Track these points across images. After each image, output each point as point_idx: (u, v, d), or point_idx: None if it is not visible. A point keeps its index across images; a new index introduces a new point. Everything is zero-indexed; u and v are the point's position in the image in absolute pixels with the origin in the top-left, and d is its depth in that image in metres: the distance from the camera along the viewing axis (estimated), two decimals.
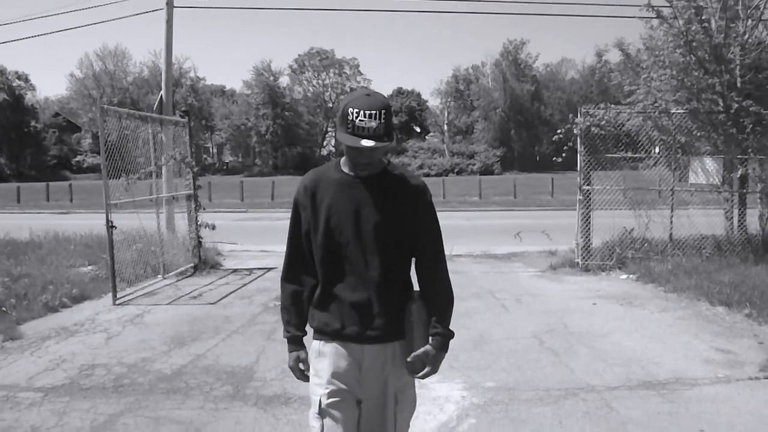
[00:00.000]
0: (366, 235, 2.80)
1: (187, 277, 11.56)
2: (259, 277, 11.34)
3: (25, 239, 14.41)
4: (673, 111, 11.57)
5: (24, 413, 5.21)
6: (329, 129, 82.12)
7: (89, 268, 11.53)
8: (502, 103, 76.03)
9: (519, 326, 7.85)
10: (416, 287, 2.97)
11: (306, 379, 3.00)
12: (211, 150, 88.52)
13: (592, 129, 11.47)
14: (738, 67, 11.15)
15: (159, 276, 11.16)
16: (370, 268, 2.81)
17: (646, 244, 11.64)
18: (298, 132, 77.66)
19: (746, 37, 11.27)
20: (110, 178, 9.65)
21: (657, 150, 12.20)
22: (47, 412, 5.22)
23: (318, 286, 2.93)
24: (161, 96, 14.33)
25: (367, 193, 2.82)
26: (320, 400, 2.84)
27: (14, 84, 76.72)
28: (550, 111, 76.27)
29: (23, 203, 33.75)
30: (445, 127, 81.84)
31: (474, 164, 68.85)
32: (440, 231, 2.97)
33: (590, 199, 11.61)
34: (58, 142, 77.87)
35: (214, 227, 12.25)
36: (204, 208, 12.74)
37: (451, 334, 2.92)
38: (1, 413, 5.21)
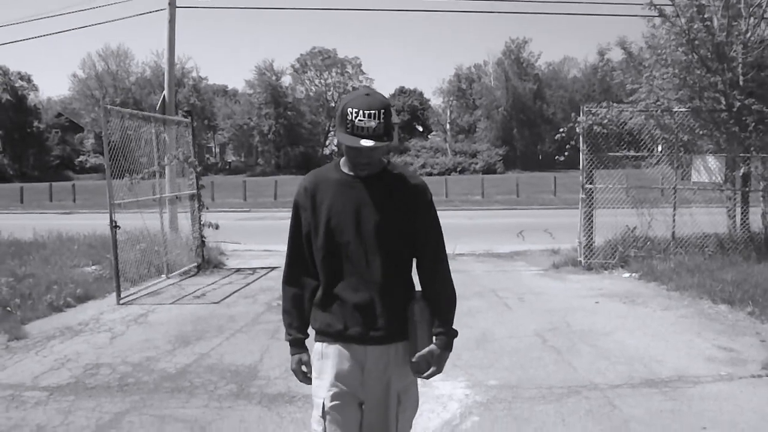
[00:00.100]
0: (367, 234, 2.79)
1: (190, 277, 11.59)
2: (262, 276, 11.36)
3: (28, 239, 14.44)
4: (675, 109, 11.57)
5: (30, 412, 5.25)
6: (332, 128, 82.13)
7: (93, 267, 11.57)
8: (505, 101, 75.92)
9: (522, 325, 7.88)
10: (417, 287, 2.97)
11: (308, 381, 2.98)
12: (213, 150, 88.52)
13: (595, 128, 11.48)
14: (740, 65, 11.17)
15: (162, 276, 11.20)
16: (372, 267, 2.80)
17: (648, 243, 11.65)
18: (300, 131, 77.61)
19: (748, 35, 11.26)
20: (114, 178, 9.69)
21: (660, 148, 12.22)
22: (53, 411, 5.25)
23: (319, 288, 2.92)
24: (164, 96, 14.37)
25: (368, 193, 2.81)
26: (323, 403, 2.84)
27: (17, 84, 76.71)
28: (552, 110, 76.20)
29: (26, 203, 33.80)
30: (448, 126, 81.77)
31: (476, 163, 68.75)
32: (441, 230, 2.97)
33: (593, 198, 11.63)
34: (61, 143, 77.90)
35: (217, 227, 12.28)
36: (207, 208, 12.77)
37: (455, 333, 2.93)
38: (8, 412, 5.25)
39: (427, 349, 2.82)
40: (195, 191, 12.34)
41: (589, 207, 11.66)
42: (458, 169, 66.43)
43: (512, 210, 25.79)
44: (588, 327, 7.68)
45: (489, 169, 65.54)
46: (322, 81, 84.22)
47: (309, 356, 2.99)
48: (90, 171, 72.47)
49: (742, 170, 11.43)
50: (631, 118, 11.91)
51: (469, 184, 39.47)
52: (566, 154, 12.49)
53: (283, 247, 3.06)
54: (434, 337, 2.88)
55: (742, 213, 11.64)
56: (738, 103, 10.76)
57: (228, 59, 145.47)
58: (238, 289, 10.34)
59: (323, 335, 2.91)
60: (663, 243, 11.59)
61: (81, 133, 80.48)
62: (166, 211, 12.08)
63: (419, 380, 2.97)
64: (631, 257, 11.45)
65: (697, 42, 10.89)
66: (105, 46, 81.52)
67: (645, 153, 11.97)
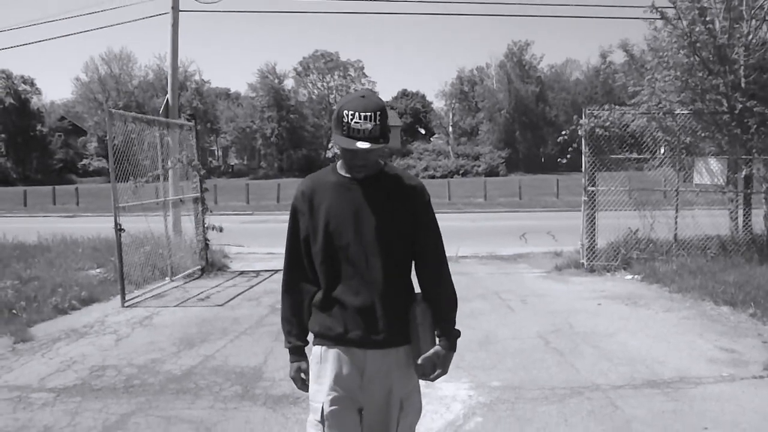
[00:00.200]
0: (366, 236, 2.78)
1: (194, 280, 11.64)
2: (266, 279, 11.41)
3: (33, 242, 14.50)
4: (677, 112, 11.61)
5: (37, 413, 5.29)
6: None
7: (97, 270, 11.62)
8: (507, 104, 76.01)
9: (524, 326, 7.91)
10: (417, 289, 2.96)
11: (307, 389, 2.96)
12: (216, 153, 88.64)
13: (597, 130, 11.51)
14: (742, 67, 11.19)
15: (167, 278, 11.25)
16: (372, 269, 2.78)
17: (650, 245, 11.68)
18: (303, 134, 77.74)
19: (750, 37, 11.28)
20: (118, 182, 9.74)
21: (662, 150, 12.24)
22: (60, 412, 5.30)
23: (318, 292, 2.90)
24: (167, 99, 14.41)
25: (366, 195, 2.81)
26: (322, 407, 2.81)
27: (20, 88, 76.92)
28: (554, 112, 76.29)
29: (30, 207, 33.87)
30: (450, 129, 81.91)
31: (479, 166, 68.86)
32: (439, 231, 2.95)
33: (595, 200, 11.65)
34: (64, 146, 78.09)
35: (221, 229, 12.32)
36: (211, 211, 12.81)
37: (458, 334, 2.92)
38: (15, 413, 5.30)
39: (432, 351, 2.81)
40: (199, 194, 12.38)
41: (592, 209, 11.69)
42: (461, 172, 66.56)
43: (515, 212, 25.81)
44: (590, 329, 7.71)
45: (491, 172, 65.65)
46: (325, 84, 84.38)
47: (308, 364, 2.97)
48: (93, 174, 72.71)
49: (744, 172, 11.46)
50: (633, 121, 11.94)
51: (472, 187, 39.55)
52: (569, 156, 12.52)
53: None
54: (437, 339, 2.87)
55: (744, 215, 11.67)
56: (740, 106, 10.80)
57: (230, 62, 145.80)
58: (242, 292, 10.38)
59: (323, 338, 2.88)
60: (665, 245, 11.62)
61: (84, 136, 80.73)
62: (169, 214, 12.13)
63: (422, 381, 2.93)
64: (633, 259, 11.47)
65: (698, 44, 10.92)
66: (108, 49, 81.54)
67: (647, 155, 11.99)
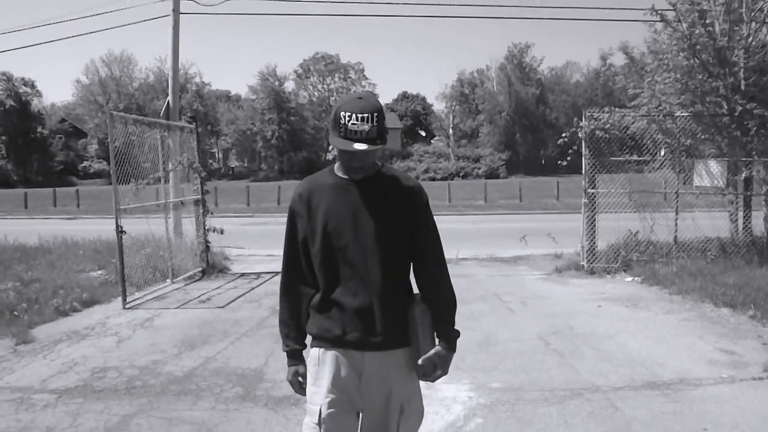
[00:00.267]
0: (365, 236, 2.76)
1: (195, 281, 11.66)
2: (266, 281, 11.43)
3: (34, 244, 14.52)
4: (677, 114, 11.63)
5: (39, 414, 5.32)
6: None
7: (99, 272, 11.64)
8: (507, 106, 76.09)
9: (525, 328, 7.92)
10: (415, 290, 2.95)
11: (304, 392, 2.96)
12: (216, 155, 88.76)
13: (597, 132, 11.52)
14: (742, 69, 11.21)
15: (168, 280, 11.27)
16: (371, 270, 2.76)
17: (651, 247, 11.69)
18: (303, 137, 77.83)
19: (750, 39, 11.31)
20: (119, 184, 9.77)
21: (663, 153, 12.26)
22: (62, 413, 5.32)
23: (316, 294, 2.89)
24: (168, 102, 14.44)
25: (363, 196, 2.79)
26: (320, 410, 2.79)
27: (21, 90, 77.04)
28: (555, 114, 76.37)
29: (30, 209, 33.90)
30: (450, 131, 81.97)
31: (479, 168, 68.92)
32: (438, 232, 2.94)
33: (595, 202, 11.67)
34: (65, 148, 78.15)
35: (222, 231, 12.35)
36: (212, 213, 12.84)
37: (458, 334, 2.91)
38: (17, 414, 5.32)
39: (433, 351, 2.79)
40: (200, 196, 12.40)
41: (592, 211, 11.70)
42: (461, 174, 66.62)
43: (515, 215, 25.82)
44: (590, 330, 7.73)
45: (492, 174, 65.74)
46: (325, 86, 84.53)
47: (305, 368, 2.96)
48: (93, 176, 72.80)
49: (744, 174, 11.48)
50: (633, 123, 11.95)
51: (472, 189, 39.58)
52: (569, 158, 12.54)
53: None
54: (437, 339, 2.87)
55: (744, 217, 11.67)
56: (740, 108, 10.82)
57: (231, 65, 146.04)
58: (243, 294, 10.40)
59: (321, 341, 2.86)
60: (665, 247, 11.64)
61: (84, 138, 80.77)
62: (170, 216, 12.15)
63: (423, 383, 2.92)
64: (633, 261, 11.49)
65: (698, 47, 10.95)
66: (109, 51, 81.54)
67: (647, 157, 12.00)
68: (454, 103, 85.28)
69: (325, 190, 2.84)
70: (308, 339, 2.98)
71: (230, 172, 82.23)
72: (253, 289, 10.78)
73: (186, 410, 5.38)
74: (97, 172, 73.56)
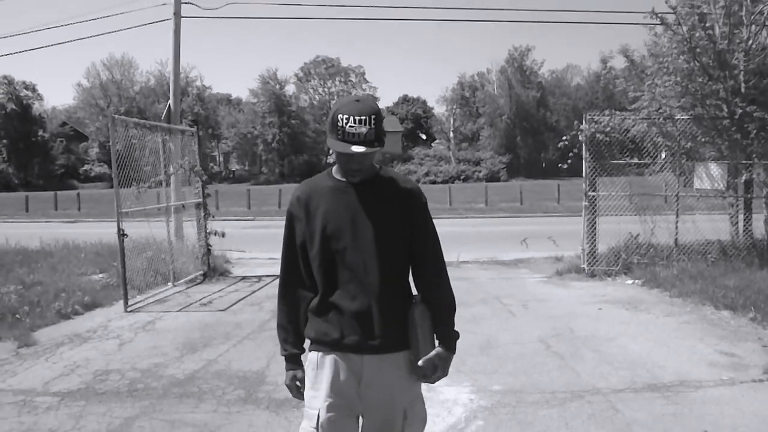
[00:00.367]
0: (364, 239, 2.75)
1: (196, 285, 11.68)
2: (267, 284, 11.44)
3: (35, 248, 14.55)
4: (677, 117, 11.63)
5: (42, 417, 5.34)
6: None
7: (100, 276, 11.67)
8: (508, 109, 76.13)
9: (525, 331, 7.94)
10: (414, 292, 2.95)
11: (302, 397, 2.94)
12: (217, 158, 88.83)
13: (597, 135, 11.53)
14: (742, 72, 11.22)
15: (169, 283, 11.29)
16: (370, 272, 2.75)
17: (651, 250, 11.70)
18: (304, 140, 77.92)
19: (750, 42, 11.32)
20: (120, 187, 9.79)
21: (663, 155, 12.28)
22: (64, 416, 5.34)
23: (315, 298, 2.87)
24: (169, 105, 14.45)
25: (362, 198, 2.78)
26: (318, 414, 2.77)
27: (22, 94, 77.14)
28: (555, 117, 76.39)
29: (31, 212, 33.93)
30: (451, 134, 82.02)
31: (480, 171, 68.94)
32: (437, 233, 2.93)
33: (596, 205, 11.68)
34: (66, 152, 78.24)
35: (223, 235, 12.37)
36: (213, 216, 12.87)
37: (457, 336, 2.90)
38: (20, 416, 5.34)
39: (434, 352, 2.79)
40: (201, 200, 12.43)
41: (592, 214, 11.72)
42: (462, 177, 66.68)
43: (516, 218, 25.84)
44: (591, 333, 7.75)
45: (492, 177, 65.77)
46: (326, 89, 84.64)
47: (303, 372, 2.95)
48: (95, 180, 72.85)
49: (744, 177, 11.48)
50: (633, 126, 11.96)
51: (473, 192, 39.60)
52: (569, 161, 12.56)
53: None
54: (437, 341, 2.86)
55: (744, 220, 11.68)
56: (740, 111, 10.83)
57: (232, 68, 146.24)
58: (244, 297, 10.42)
59: (319, 344, 2.85)
60: (666, 250, 11.65)
61: (85, 142, 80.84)
62: (171, 219, 12.17)
63: (423, 385, 2.92)
64: (634, 264, 11.50)
65: (698, 50, 10.96)
66: (109, 55, 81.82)
67: (648, 160, 12.02)
68: (454, 107, 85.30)
69: (323, 193, 2.83)
70: (307, 343, 2.97)
71: (231, 176, 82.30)
72: (254, 292, 10.80)
73: (188, 413, 5.40)
74: (98, 175, 73.60)
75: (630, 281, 10.99)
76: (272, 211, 31.33)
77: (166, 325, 8.64)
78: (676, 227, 11.69)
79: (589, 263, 11.67)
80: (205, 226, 12.37)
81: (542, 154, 76.92)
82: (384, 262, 2.76)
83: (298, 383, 2.97)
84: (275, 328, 3.07)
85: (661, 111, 11.77)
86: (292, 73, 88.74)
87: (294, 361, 2.99)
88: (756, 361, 6.44)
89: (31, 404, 5.63)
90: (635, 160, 12.08)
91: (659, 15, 11.34)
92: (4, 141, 73.87)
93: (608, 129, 11.59)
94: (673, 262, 11.26)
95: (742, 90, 11.16)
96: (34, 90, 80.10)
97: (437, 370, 2.82)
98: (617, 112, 11.98)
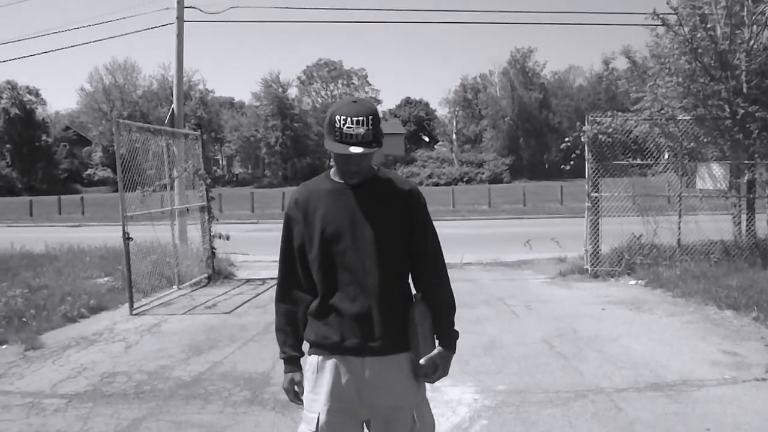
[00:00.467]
0: (363, 240, 2.74)
1: (201, 288, 11.72)
2: (272, 286, 11.45)
3: (40, 252, 14.63)
4: (679, 117, 11.65)
5: (50, 418, 5.39)
6: None
7: (105, 279, 11.72)
8: (511, 111, 76.17)
9: (529, 332, 7.97)
10: (414, 292, 2.94)
11: (299, 402, 2.93)
12: (220, 162, 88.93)
13: (600, 136, 11.55)
14: (744, 72, 11.24)
15: (174, 286, 11.34)
16: (369, 273, 2.73)
17: (654, 250, 11.72)
18: (307, 143, 77.97)
19: (752, 42, 11.34)
20: (125, 191, 9.84)
21: (666, 156, 12.30)
22: (72, 418, 5.39)
23: (314, 301, 2.85)
24: (173, 109, 14.48)
25: (360, 200, 2.77)
26: (318, 418, 2.76)
27: (25, 98, 77.40)
28: (558, 119, 76.39)
29: (36, 217, 34.03)
30: (454, 136, 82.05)
31: (483, 173, 68.99)
32: (436, 233, 2.92)
33: (599, 206, 11.71)
34: (69, 156, 78.48)
35: (228, 238, 12.43)
36: (217, 220, 12.92)
37: (457, 335, 2.90)
38: (28, 418, 5.39)
39: (435, 351, 2.78)
40: (205, 203, 12.48)
41: (595, 215, 11.75)
42: (465, 179, 66.72)
43: (519, 219, 25.88)
44: (594, 333, 7.78)
45: (495, 179, 65.81)
46: (329, 92, 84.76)
47: (302, 376, 2.93)
48: (98, 184, 73.06)
49: (746, 177, 11.50)
50: (635, 127, 11.99)
51: (476, 194, 39.60)
52: (572, 163, 12.58)
53: None
54: (437, 340, 2.86)
55: (747, 220, 11.70)
56: (742, 111, 10.85)
57: (234, 71, 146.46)
58: (249, 300, 10.47)
59: (319, 348, 2.83)
60: (669, 250, 11.67)
61: (89, 146, 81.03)
62: (176, 223, 12.22)
63: (427, 385, 2.91)
64: (637, 265, 11.52)
65: (700, 50, 11.00)
66: (112, 59, 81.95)
67: (650, 161, 12.04)
68: (457, 109, 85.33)
69: (321, 196, 2.83)
70: (306, 346, 2.96)
71: (234, 179, 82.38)
72: (258, 294, 10.84)
73: (195, 414, 5.44)
74: (102, 179, 73.83)
75: (633, 282, 11.01)
76: (276, 214, 31.33)
77: (171, 328, 8.69)
78: (679, 228, 11.71)
79: (593, 264, 11.70)
80: (210, 230, 12.43)
81: (545, 155, 76.94)
82: (384, 264, 2.75)
83: (295, 387, 2.95)
84: None
85: (663, 112, 11.80)
86: (294, 76, 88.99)
87: (293, 364, 2.96)
88: (759, 360, 6.46)
89: (39, 406, 5.68)
90: (638, 161, 12.10)
91: (661, 16, 11.37)
92: (8, 146, 74.14)
93: (610, 130, 11.62)
94: (676, 262, 11.28)
95: (744, 90, 11.18)
96: (37, 95, 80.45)
97: (438, 370, 2.82)
98: (619, 113, 12.02)
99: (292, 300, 2.92)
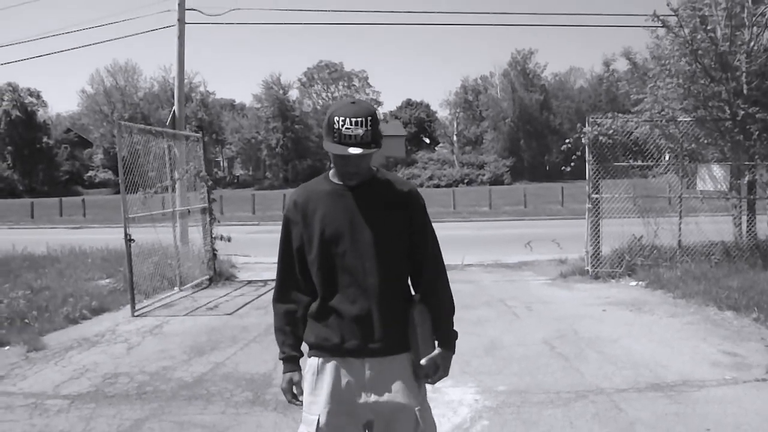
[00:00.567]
0: (363, 242, 2.73)
1: (202, 289, 11.75)
2: (273, 288, 11.45)
3: (42, 253, 14.66)
4: (680, 119, 11.68)
5: (53, 419, 5.41)
6: None
7: (107, 281, 11.75)
8: (511, 113, 76.16)
9: (530, 333, 7.99)
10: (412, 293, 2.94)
11: (297, 402, 2.89)
12: (221, 164, 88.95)
13: (600, 138, 11.57)
14: (744, 74, 11.27)
15: (175, 288, 11.36)
16: (369, 275, 2.73)
17: (655, 251, 11.73)
18: (308, 145, 77.97)
19: (752, 44, 11.36)
20: (127, 193, 9.87)
21: (667, 157, 12.32)
22: (75, 418, 5.42)
23: (312, 303, 2.85)
24: (174, 111, 14.51)
25: (360, 201, 2.76)
26: (318, 420, 2.74)
27: (26, 101, 77.46)
28: (559, 120, 76.35)
29: (37, 218, 34.05)
30: (455, 138, 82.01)
31: (484, 174, 69.00)
32: (435, 234, 2.92)
33: (599, 208, 11.73)
34: (70, 158, 78.53)
35: (229, 239, 12.46)
36: (218, 221, 12.94)
37: (456, 335, 2.91)
38: (31, 419, 5.42)
39: (436, 352, 2.79)
40: (206, 205, 12.50)
41: (596, 217, 11.76)
42: (466, 181, 66.75)
43: (520, 221, 25.88)
44: (595, 334, 7.80)
45: (496, 181, 65.82)
46: (329, 94, 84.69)
47: (301, 376, 2.90)
48: (99, 186, 73.15)
49: (747, 178, 11.51)
50: (636, 128, 12.03)
51: (477, 196, 39.61)
52: (573, 164, 12.60)
53: None
54: (436, 341, 2.86)
55: (747, 221, 11.71)
56: (742, 112, 10.87)
57: (235, 73, 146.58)
58: (250, 301, 10.49)
59: (319, 350, 2.82)
60: (669, 251, 11.69)
61: (90, 148, 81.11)
62: (177, 224, 12.24)
63: (428, 386, 2.90)
64: (637, 266, 11.54)
65: (700, 52, 11.02)
66: (113, 61, 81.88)
67: (651, 162, 12.06)
68: (458, 110, 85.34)
69: (320, 197, 2.82)
70: (305, 348, 2.95)
71: (235, 181, 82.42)
72: (260, 296, 10.86)
73: (197, 414, 5.47)
74: (103, 181, 73.92)
75: (634, 283, 11.03)
76: (277, 215, 31.31)
77: (173, 329, 8.71)
78: (680, 229, 11.73)
79: (593, 265, 11.72)
80: (211, 231, 12.45)
81: (546, 157, 76.93)
82: (383, 265, 2.75)
83: (294, 387, 2.92)
84: None
85: (663, 113, 11.82)
86: (295, 78, 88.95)
87: (292, 362, 2.93)
88: (759, 361, 6.48)
89: (42, 407, 5.71)
90: (638, 163, 12.12)
91: (661, 17, 11.39)
92: (9, 148, 74.20)
93: (611, 131, 11.64)
94: (677, 263, 11.30)
95: (744, 91, 11.21)
96: (38, 97, 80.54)
97: (439, 370, 2.82)
98: (620, 115, 12.05)
99: (291, 300, 2.91)
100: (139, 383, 6.35)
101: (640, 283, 10.92)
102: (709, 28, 11.00)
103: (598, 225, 11.76)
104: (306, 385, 2.87)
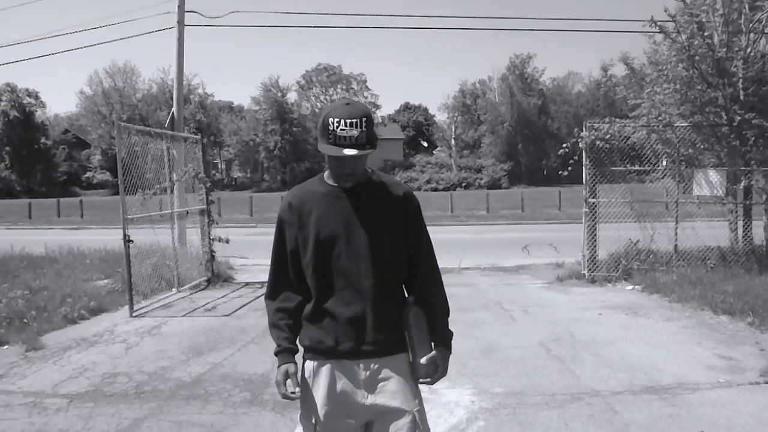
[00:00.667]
0: (358, 244, 2.72)
1: (200, 290, 11.78)
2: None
3: (40, 254, 14.66)
4: (677, 124, 11.74)
5: (52, 417, 5.45)
6: None
7: (105, 281, 11.77)
8: (509, 117, 76.22)
9: (526, 336, 8.03)
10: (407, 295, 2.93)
11: (290, 395, 2.77)
12: (219, 166, 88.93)
13: (598, 143, 11.62)
14: (741, 80, 11.33)
15: (173, 289, 11.38)
16: (364, 277, 2.71)
17: (651, 256, 11.78)
18: (306, 147, 77.90)
19: (749, 50, 11.43)
20: (126, 194, 9.90)
21: (664, 162, 12.38)
22: (74, 417, 5.45)
23: (305, 302, 2.83)
24: (173, 113, 14.52)
25: (355, 203, 2.75)
26: (314, 422, 2.74)
27: (25, 101, 77.38)
28: (557, 125, 76.44)
29: (35, 219, 34.05)
30: (453, 142, 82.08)
31: (481, 178, 69.05)
32: (430, 237, 2.91)
33: (596, 212, 11.77)
34: (68, 159, 78.42)
35: (228, 241, 12.49)
36: (217, 223, 12.97)
37: (452, 334, 2.92)
38: (30, 417, 5.45)
39: (433, 353, 2.78)
40: (205, 206, 12.53)
41: (593, 221, 11.81)
42: (463, 185, 66.77)
43: (517, 225, 25.91)
44: (591, 337, 7.84)
45: (494, 185, 65.86)
46: (328, 97, 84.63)
47: (296, 368, 2.82)
48: (97, 187, 73.06)
49: (743, 184, 11.57)
50: (633, 133, 12.07)
51: (475, 200, 39.66)
52: (570, 168, 12.66)
53: None
54: (432, 342, 2.84)
55: (743, 226, 11.76)
56: (738, 118, 10.94)
57: (234, 75, 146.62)
58: (248, 302, 10.53)
59: (314, 353, 2.80)
60: (665, 256, 11.74)
61: (88, 149, 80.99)
62: (175, 226, 12.27)
63: (425, 387, 2.88)
64: (634, 270, 11.59)
65: (697, 58, 11.08)
66: (112, 63, 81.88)
67: (648, 167, 12.11)
68: (456, 114, 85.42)
69: (315, 199, 2.81)
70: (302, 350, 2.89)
71: (233, 183, 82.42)
72: (257, 297, 10.86)
73: (195, 414, 5.51)
74: (101, 182, 73.83)
75: (630, 287, 11.08)
76: (274, 218, 30.58)
77: (171, 330, 8.75)
78: (676, 233, 11.78)
79: (590, 269, 11.77)
80: (209, 233, 12.48)
81: (543, 161, 77.01)
82: (378, 267, 2.74)
83: (288, 380, 2.78)
84: None
85: (660, 118, 11.89)
86: (293, 80, 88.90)
87: (288, 353, 2.83)
88: (753, 365, 6.54)
89: (41, 405, 5.74)
90: (635, 167, 12.17)
91: (658, 23, 11.47)
92: (7, 148, 74.13)
93: (608, 136, 11.69)
94: (673, 268, 11.35)
95: (741, 97, 11.27)
96: (36, 97, 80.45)
97: (438, 370, 2.83)
98: (617, 120, 12.12)
99: (283, 297, 2.87)
100: (138, 383, 6.38)
101: (637, 287, 10.97)
102: (706, 34, 11.06)
103: (595, 229, 11.81)
104: (302, 388, 2.83)
